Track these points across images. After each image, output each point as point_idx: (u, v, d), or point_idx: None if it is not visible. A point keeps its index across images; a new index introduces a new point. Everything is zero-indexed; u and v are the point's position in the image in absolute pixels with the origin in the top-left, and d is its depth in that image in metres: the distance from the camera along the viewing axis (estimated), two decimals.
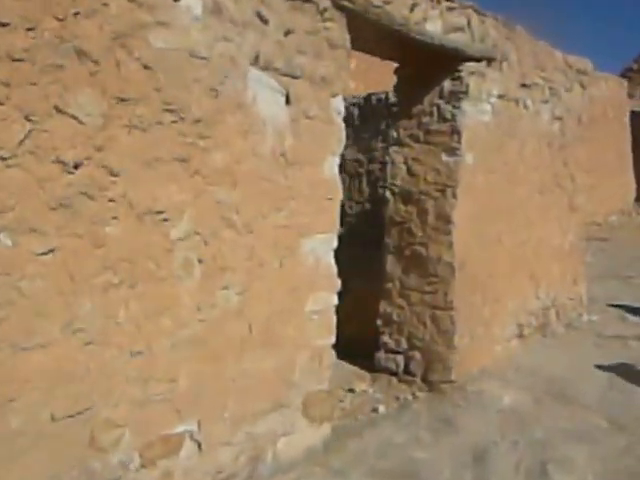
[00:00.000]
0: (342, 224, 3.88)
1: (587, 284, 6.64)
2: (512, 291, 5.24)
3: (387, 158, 5.07)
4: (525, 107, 5.24)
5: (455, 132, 4.62)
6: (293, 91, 3.31)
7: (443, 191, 4.65)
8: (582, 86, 6.27)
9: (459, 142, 4.60)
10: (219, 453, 2.98)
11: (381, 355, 4.99)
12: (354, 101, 6.03)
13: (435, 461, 3.45)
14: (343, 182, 3.76)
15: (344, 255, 3.79)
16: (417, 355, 4.79)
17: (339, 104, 3.53)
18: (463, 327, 4.65)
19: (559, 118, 5.88)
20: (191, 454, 2.85)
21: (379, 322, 5.01)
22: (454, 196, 4.59)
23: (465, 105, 4.61)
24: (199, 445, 2.89)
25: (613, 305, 6.86)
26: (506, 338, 5.18)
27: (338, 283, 3.70)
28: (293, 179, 3.33)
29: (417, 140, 4.82)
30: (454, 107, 4.63)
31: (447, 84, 4.67)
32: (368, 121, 5.97)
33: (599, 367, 4.90)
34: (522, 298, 5.41)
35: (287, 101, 3.30)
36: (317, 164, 3.44)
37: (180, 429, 2.80)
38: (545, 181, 5.74)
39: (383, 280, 5.01)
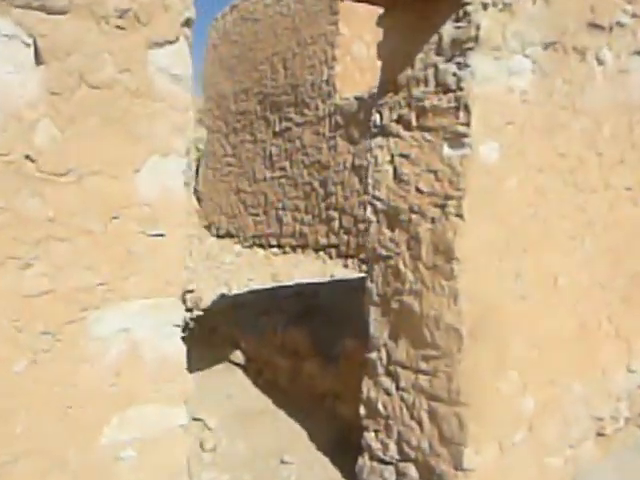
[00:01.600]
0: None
1: None
2: (580, 364, 3.20)
3: (367, 156, 3.33)
4: (599, 62, 3.19)
5: (461, 108, 2.76)
6: (51, 39, 1.77)
7: (443, 206, 2.80)
8: None
9: (467, 124, 2.74)
10: None
11: (365, 463, 3.23)
12: None
13: None
14: None
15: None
16: (412, 471, 2.98)
17: (171, 60, 1.92)
18: (480, 433, 2.76)
19: None
20: None
21: (362, 411, 3.26)
22: (459, 214, 2.73)
23: (477, 61, 2.73)
24: None
25: None
26: (570, 444, 3.14)
27: (187, 384, 2.10)
28: (58, 202, 1.79)
29: (408, 126, 3.02)
30: (459, 66, 2.78)
31: (448, 29, 2.82)
32: None
33: None
34: (600, 374, 3.33)
35: (37, 57, 1.76)
36: (121, 174, 1.86)
37: None
38: None
39: (366, 346, 3.26)
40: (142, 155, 1.84)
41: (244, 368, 5.37)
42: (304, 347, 4.64)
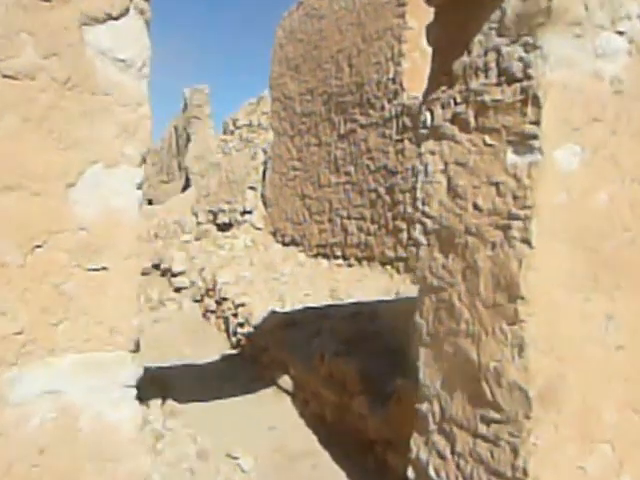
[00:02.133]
0: None
1: None
2: None
3: (417, 164, 2.76)
4: None
5: (530, 102, 2.14)
6: None
7: (506, 228, 2.19)
8: None
9: (537, 123, 2.11)
10: None
11: None
12: None
13: None
14: None
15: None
16: None
17: (116, 41, 1.45)
18: None
19: None
20: None
21: (410, 474, 2.69)
22: (526, 239, 2.11)
23: (550, 40, 2.09)
24: None
25: None
26: None
27: (141, 465, 1.64)
28: None
29: (464, 126, 2.42)
30: (527, 48, 2.15)
31: (512, 1, 2.20)
32: None
33: None
34: None
35: None
36: (48, 189, 1.42)
37: None
38: None
39: (415, 394, 2.70)
40: (78, 165, 1.40)
41: (292, 396, 4.90)
42: (351, 381, 4.09)
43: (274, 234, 10.96)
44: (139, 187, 1.48)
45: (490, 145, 2.29)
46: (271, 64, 11.33)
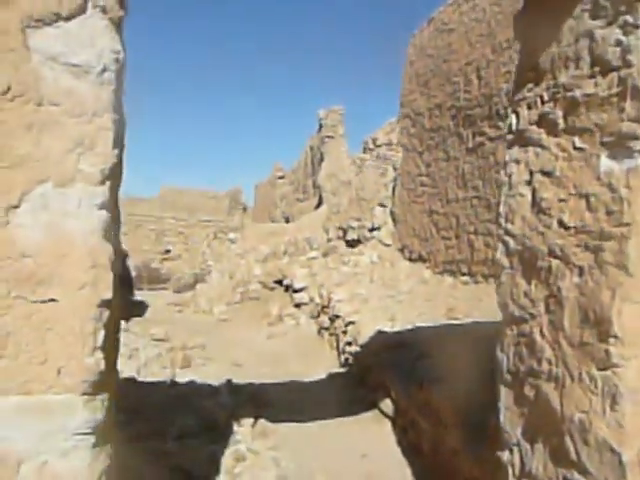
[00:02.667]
0: None
1: None
2: None
3: (502, 175, 2.38)
4: None
5: (629, 94, 1.70)
6: None
7: (597, 250, 1.75)
8: None
9: (638, 119, 1.67)
10: None
11: None
12: None
13: None
14: None
15: None
16: None
17: (68, 44, 1.31)
18: None
19: None
20: None
21: None
22: (621, 264, 1.66)
23: None
24: None
25: None
26: None
27: None
28: None
29: (552, 128, 2.01)
30: (625, 29, 1.72)
31: None
32: None
33: None
34: None
35: None
36: None
37: None
38: None
39: (492, 440, 2.30)
40: (21, 185, 1.26)
41: (393, 421, 4.58)
42: (445, 412, 3.68)
43: (402, 250, 10.64)
44: (102, 207, 1.31)
45: (580, 149, 1.87)
46: (402, 81, 11.11)
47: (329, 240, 11.20)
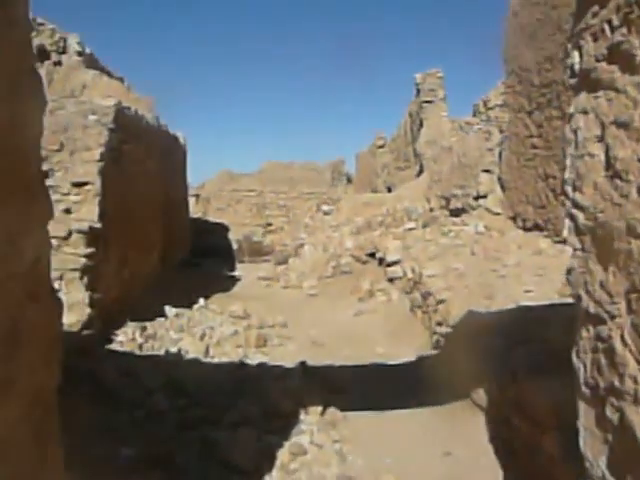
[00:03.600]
0: None
1: None
2: None
3: (566, 131, 1.91)
4: None
5: None
6: None
7: None
8: None
9: None
10: None
11: None
12: None
13: None
14: None
15: None
16: None
17: None
18: None
19: None
20: None
21: None
22: None
23: None
24: None
25: None
26: None
27: None
28: None
29: (628, 64, 1.52)
30: None
31: None
32: None
33: None
34: None
35: None
36: None
37: None
38: None
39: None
40: None
41: (486, 414, 4.16)
42: (541, 411, 3.22)
43: (514, 219, 9.88)
44: None
45: None
46: (504, 35, 10.18)
47: (431, 210, 10.66)
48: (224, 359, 5.60)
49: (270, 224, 18.83)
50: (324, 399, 4.39)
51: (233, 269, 14.20)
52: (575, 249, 1.78)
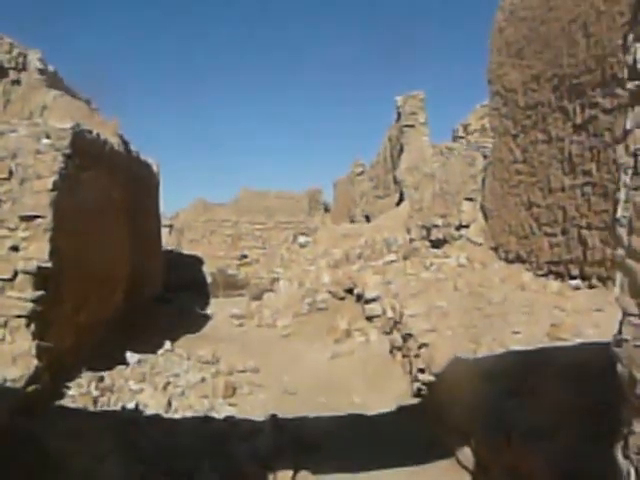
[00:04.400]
0: None
1: None
2: None
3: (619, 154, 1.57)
4: None
5: None
6: None
7: None
8: None
9: None
10: None
11: None
12: None
13: None
14: None
15: None
16: None
17: None
18: None
19: None
20: None
21: None
22: None
23: None
24: None
25: None
26: None
27: None
28: None
29: None
30: None
31: None
32: None
33: None
34: None
35: None
36: None
37: None
38: None
39: None
40: None
41: (473, 476, 3.73)
42: (538, 473, 2.82)
43: (495, 250, 9.59)
44: None
45: None
46: (489, 54, 10.05)
47: (411, 240, 10.34)
48: (188, 413, 5.11)
49: (245, 256, 18.40)
50: (295, 460, 3.95)
51: (207, 304, 13.72)
52: (628, 314, 1.41)
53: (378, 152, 16.45)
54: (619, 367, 1.57)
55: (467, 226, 9.49)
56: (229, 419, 4.81)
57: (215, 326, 9.56)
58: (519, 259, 8.89)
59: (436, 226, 9.99)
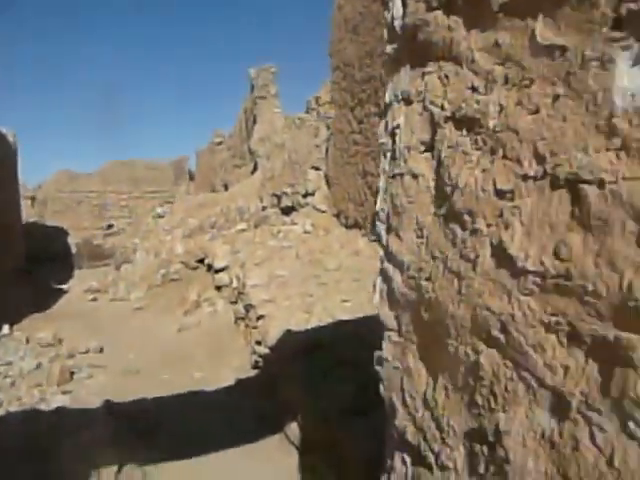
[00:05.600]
0: None
1: None
2: None
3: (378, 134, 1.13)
4: None
5: None
6: None
7: None
8: None
9: None
10: None
11: None
12: None
13: None
14: None
15: None
16: None
17: None
18: None
19: None
20: None
21: None
22: None
23: None
24: None
25: None
26: None
27: None
28: None
29: (479, 13, 0.76)
30: None
31: None
32: None
33: None
34: None
35: None
36: None
37: None
38: None
39: None
40: None
41: (299, 451, 3.45)
42: (349, 454, 2.57)
43: (337, 216, 9.42)
44: None
45: None
46: (330, 30, 9.65)
47: (263, 209, 9.90)
48: (14, 407, 4.34)
49: (111, 226, 16.93)
50: (127, 451, 3.43)
51: (69, 277, 12.40)
52: (388, 329, 1.04)
53: (235, 123, 15.70)
54: (381, 389, 1.24)
55: (312, 194, 9.21)
56: (60, 410, 4.13)
57: (68, 302, 8.53)
58: (356, 225, 8.78)
59: (285, 194, 9.62)
